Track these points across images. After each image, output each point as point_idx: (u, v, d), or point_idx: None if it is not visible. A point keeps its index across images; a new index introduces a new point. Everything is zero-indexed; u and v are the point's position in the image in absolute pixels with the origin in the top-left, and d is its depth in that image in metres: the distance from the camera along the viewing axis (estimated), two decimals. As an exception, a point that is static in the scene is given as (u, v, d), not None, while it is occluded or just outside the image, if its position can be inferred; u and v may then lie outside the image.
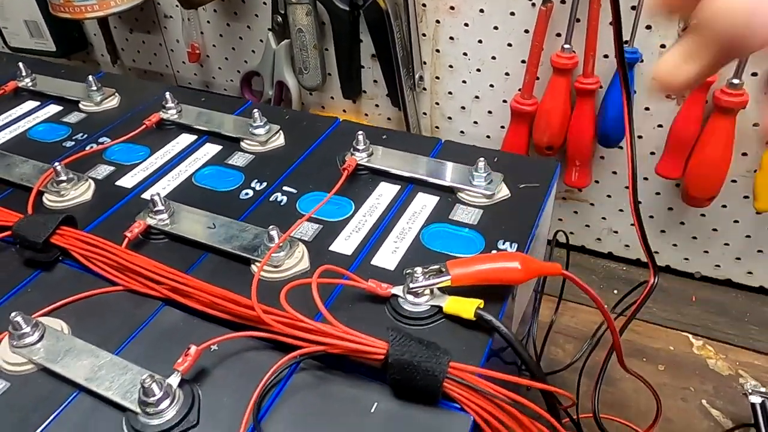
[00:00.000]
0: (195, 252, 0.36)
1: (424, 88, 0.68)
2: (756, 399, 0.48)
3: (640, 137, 0.61)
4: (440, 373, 0.26)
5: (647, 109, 0.59)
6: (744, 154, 0.57)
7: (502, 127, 0.66)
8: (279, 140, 0.46)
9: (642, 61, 0.56)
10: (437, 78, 0.67)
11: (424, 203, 0.39)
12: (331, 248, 0.36)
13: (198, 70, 0.84)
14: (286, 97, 0.76)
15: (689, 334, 0.61)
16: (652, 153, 0.61)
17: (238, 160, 0.45)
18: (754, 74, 0.53)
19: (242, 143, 0.46)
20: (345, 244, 0.36)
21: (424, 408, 0.27)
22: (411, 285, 0.31)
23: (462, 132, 0.70)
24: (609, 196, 0.66)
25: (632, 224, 0.66)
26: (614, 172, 0.65)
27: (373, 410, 0.27)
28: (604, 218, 0.68)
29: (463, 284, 0.31)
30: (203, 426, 0.27)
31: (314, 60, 0.70)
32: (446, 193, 0.40)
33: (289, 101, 0.75)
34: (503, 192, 0.40)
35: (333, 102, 0.75)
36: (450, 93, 0.68)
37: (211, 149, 0.46)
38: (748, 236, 0.62)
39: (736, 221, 0.61)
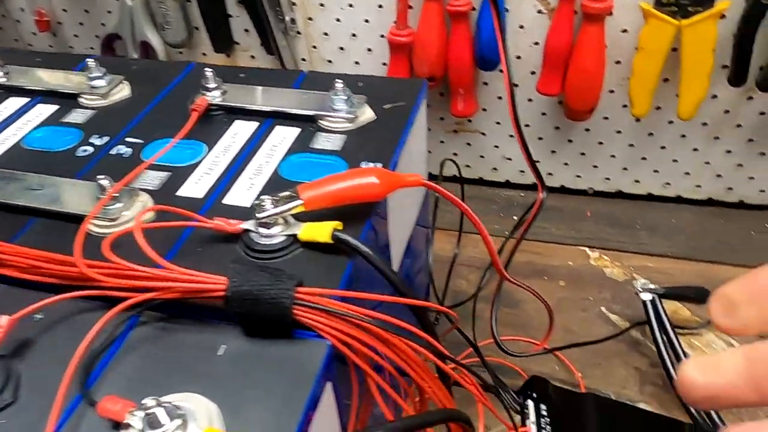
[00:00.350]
0: (21, 219, 0.31)
1: (298, 32, 0.65)
2: (647, 296, 0.49)
3: (518, 57, 0.60)
4: (286, 299, 0.23)
5: (522, 27, 0.58)
6: (617, 62, 0.57)
7: (384, 63, 0.64)
8: (124, 92, 0.42)
9: (510, -24, 0.55)
10: (310, 19, 0.64)
11: (283, 136, 0.36)
12: (180, 193, 0.33)
13: (53, 41, 0.76)
14: (153, 57, 0.70)
15: (586, 248, 0.62)
16: (533, 72, 0.60)
17: (77, 117, 0.40)
18: (616, -21, 0.53)
19: (80, 99, 0.41)
20: (195, 187, 0.33)
21: (278, 342, 0.25)
22: (260, 215, 0.28)
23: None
24: (498, 123, 0.65)
25: (524, 148, 0.66)
26: (499, 98, 0.64)
27: (221, 353, 0.24)
28: (496, 146, 0.68)
29: (318, 207, 0.29)
30: (24, 403, 0.23)
31: (175, 13, 0.64)
32: (307, 123, 0.37)
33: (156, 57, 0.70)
34: (367, 115, 0.37)
35: (206, 58, 0.70)
36: (326, 34, 0.64)
37: (44, 110, 0.41)
38: (632, 145, 0.63)
39: (618, 131, 0.62)
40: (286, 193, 0.28)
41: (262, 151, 0.35)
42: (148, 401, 0.20)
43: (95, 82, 0.41)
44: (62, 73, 0.43)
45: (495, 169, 0.70)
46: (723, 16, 0.51)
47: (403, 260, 0.41)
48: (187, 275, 0.24)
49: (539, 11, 0.57)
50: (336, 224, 0.28)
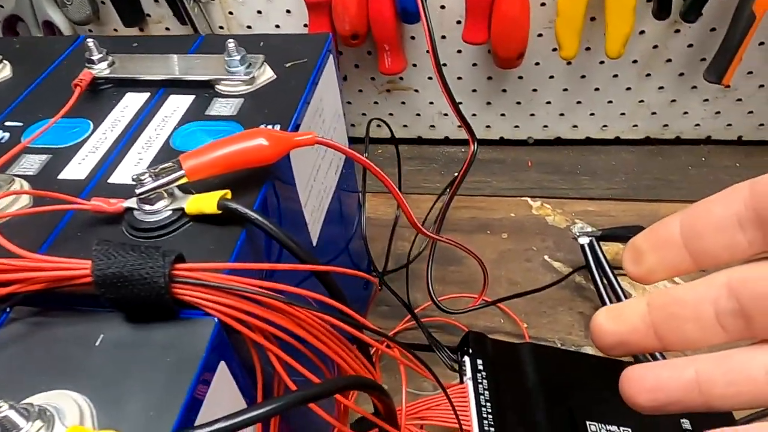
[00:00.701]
0: None
1: (212, -2, 0.61)
2: (584, 240, 0.48)
3: (443, 7, 0.58)
4: (161, 277, 0.21)
5: (441, -26, 0.56)
6: (543, 4, 0.56)
7: (305, 24, 0.61)
8: (3, 72, 0.38)
9: None
10: (222, -17, 0.60)
11: (176, 105, 0.34)
12: (61, 177, 0.30)
13: (-51, 28, 0.70)
14: (59, 34, 0.65)
15: (528, 198, 0.61)
16: (459, 22, 0.58)
17: (-50, 103, 0.36)
18: None
19: (-46, 84, 0.37)
20: (78, 168, 0.30)
21: (161, 325, 0.22)
22: (139, 191, 0.25)
23: (266, 40, 0.63)
24: (430, 78, 0.63)
25: (459, 103, 0.64)
26: (428, 51, 0.61)
27: (98, 343, 0.22)
28: (431, 102, 0.66)
29: (203, 177, 0.26)
30: None
31: (74, -13, 0.60)
32: (203, 89, 0.35)
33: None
34: (267, 75, 0.35)
35: (117, 34, 0.66)
36: (240, -2, 0.61)
37: None
38: (566, 90, 0.62)
39: (551, 77, 0.61)
40: (167, 165, 0.26)
41: (153, 123, 0.32)
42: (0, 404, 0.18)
43: (-31, 65, 0.37)
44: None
45: (433, 126, 0.68)
46: (643, -53, 0.50)
47: (329, 228, 0.39)
48: (47, 263, 0.22)
49: (458, -43, 0.54)
50: (223, 192, 0.25)
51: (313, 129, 0.35)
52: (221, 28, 0.63)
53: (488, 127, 0.66)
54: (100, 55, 0.36)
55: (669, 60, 0.58)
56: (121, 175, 0.29)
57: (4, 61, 0.39)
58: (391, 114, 0.67)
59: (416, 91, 0.65)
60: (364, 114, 0.68)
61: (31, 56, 0.40)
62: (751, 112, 0.60)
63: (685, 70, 0.58)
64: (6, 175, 0.29)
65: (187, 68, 0.35)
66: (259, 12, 0.61)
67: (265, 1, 0.60)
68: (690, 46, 0.57)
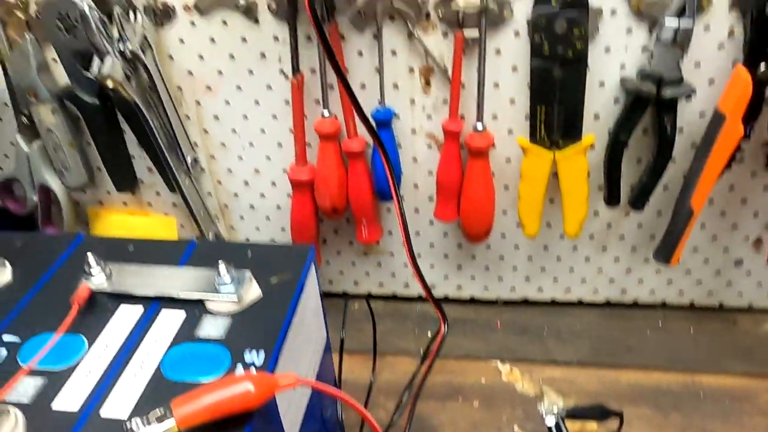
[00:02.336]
0: None
1: (202, 169, 0.66)
2: (551, 421, 0.50)
3: (416, 186, 0.63)
4: None
5: (415, 159, 0.61)
6: (506, 187, 0.61)
7: (289, 195, 0.65)
8: (4, 276, 0.41)
9: (397, 116, 0.58)
10: (213, 157, 0.65)
11: (168, 323, 0.36)
12: (55, 406, 0.32)
13: (-54, 183, 0.73)
14: (55, 200, 0.68)
15: (497, 361, 0.63)
16: (431, 198, 0.63)
17: (-49, 311, 0.38)
18: (495, 117, 0.57)
19: (-43, 289, 0.40)
20: (71, 397, 0.32)
21: None
22: (131, 441, 0.27)
23: (251, 206, 0.68)
24: (404, 243, 0.68)
25: (431, 266, 0.68)
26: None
27: None
28: (405, 265, 0.69)
29: (193, 425, 0.28)
30: None
31: (73, 158, 0.64)
32: (194, 305, 0.37)
33: (58, 204, 0.68)
34: (254, 293, 0.38)
35: (110, 197, 0.69)
36: (229, 170, 0.65)
37: None
38: (530, 258, 0.66)
39: (516, 246, 0.66)
40: (158, 412, 0.28)
41: (145, 344, 0.35)
42: None
43: (-27, 271, 0.40)
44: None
45: (407, 285, 0.71)
46: (593, 146, 0.56)
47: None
48: None
49: (429, 146, 0.60)
50: (211, 442, 0.28)
51: (296, 342, 0.37)
52: (210, 194, 0.68)
53: (459, 287, 0.70)
54: (98, 269, 0.39)
55: (622, 236, 0.63)
56: (113, 408, 0.31)
57: (6, 263, 0.41)
58: (366, 273, 0.71)
59: (391, 254, 0.69)
60: (341, 272, 0.71)
61: (30, 257, 0.42)
62: (699, 281, 0.65)
63: (637, 245, 0.64)
64: (2, 404, 0.31)
65: (178, 283, 0.38)
66: (246, 183, 0.66)
67: (252, 173, 0.65)
68: (640, 226, 0.62)
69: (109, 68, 0.52)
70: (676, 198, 0.56)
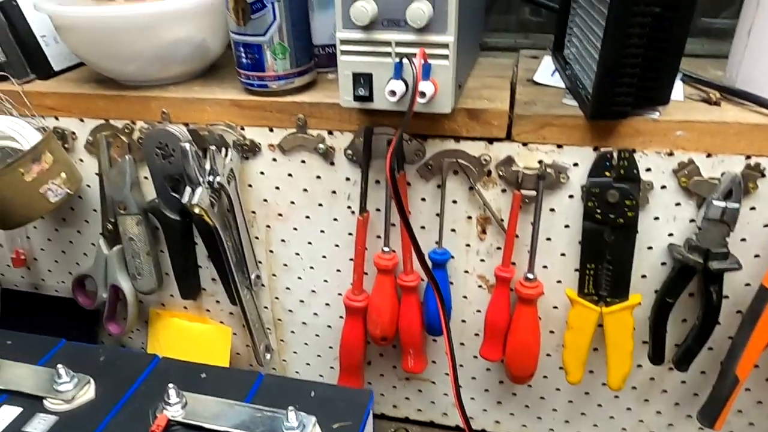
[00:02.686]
0: None
1: (263, 285, 0.70)
2: None
3: (463, 321, 0.66)
4: None
5: (465, 297, 0.64)
6: (551, 332, 0.63)
7: (341, 317, 0.69)
8: (89, 393, 0.44)
9: (453, 257, 0.62)
10: (274, 275, 0.69)
11: (236, 463, 0.39)
12: None
13: (25, 273, 0.79)
14: (122, 297, 0.73)
15: None
16: (477, 334, 0.66)
17: (38, 426, 0.42)
18: (546, 267, 0.60)
19: (46, 402, 0.43)
20: None
21: None
22: None
23: (304, 323, 0.71)
24: (447, 374, 0.69)
25: (471, 398, 0.69)
26: (446, 354, 0.68)
27: None
28: (446, 394, 0.71)
29: None
30: None
31: (148, 266, 0.69)
32: (260, 446, 0.40)
33: (125, 302, 0.73)
34: (316, 438, 0.40)
35: (173, 300, 0.74)
36: (288, 288, 0.70)
37: (8, 413, 0.43)
38: (571, 401, 0.67)
39: (557, 389, 0.67)
40: None
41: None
42: None
43: (63, 387, 0.43)
44: (27, 368, 0.46)
45: (445, 414, 0.72)
46: (639, 305, 0.58)
47: None
48: None
49: (479, 286, 0.63)
50: None
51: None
52: (266, 308, 0.71)
53: (497, 422, 0.71)
54: (177, 399, 0.42)
55: (665, 391, 0.64)
56: None
57: (90, 381, 0.45)
58: (407, 398, 0.72)
59: (433, 383, 0.71)
60: (382, 395, 0.73)
61: (112, 374, 0.46)
62: (743, 444, 0.65)
63: (680, 401, 0.64)
64: None
65: (246, 421, 0.41)
66: (302, 301, 0.70)
67: (308, 293, 0.69)
68: (683, 382, 0.63)
69: (199, 198, 0.58)
70: (720, 361, 0.58)
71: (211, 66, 0.68)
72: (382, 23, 0.49)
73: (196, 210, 0.59)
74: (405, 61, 0.49)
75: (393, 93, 0.49)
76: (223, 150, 0.61)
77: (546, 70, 0.63)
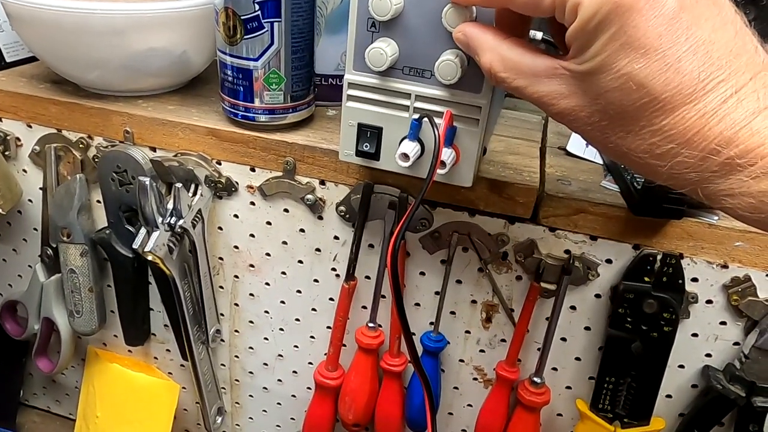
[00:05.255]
0: None
1: (222, 340, 0.60)
2: None
3: (450, 414, 0.57)
4: None
5: (456, 388, 0.55)
6: (550, 440, 0.55)
7: (309, 388, 0.59)
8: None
9: (449, 343, 0.53)
10: (237, 332, 0.59)
11: None
12: None
13: (-51, 286, 0.68)
14: (57, 330, 0.62)
15: None
16: (464, 430, 0.57)
17: None
18: (555, 369, 0.52)
19: None
20: None
21: None
22: None
23: (265, 388, 0.61)
24: (423, 467, 0.60)
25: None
26: (427, 446, 0.59)
27: None
28: (419, 489, 0.61)
29: None
30: None
31: (89, 303, 0.58)
32: None
33: (59, 336, 0.62)
34: None
35: (116, 341, 0.63)
36: (251, 348, 0.60)
37: None
38: None
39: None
40: None
41: None
42: None
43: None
44: None
45: None
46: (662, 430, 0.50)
47: None
48: None
49: (475, 378, 0.54)
50: None
51: None
52: (223, 365, 0.61)
53: None
54: None
55: None
56: None
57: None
58: (374, 486, 0.63)
59: (406, 474, 0.61)
60: (346, 479, 0.63)
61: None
62: None
63: None
64: None
65: None
66: (266, 364, 0.60)
67: (274, 357, 0.59)
68: None
69: (154, 244, 0.48)
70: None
71: (194, 79, 0.58)
72: (402, 70, 0.39)
73: (150, 257, 0.48)
74: (425, 120, 0.39)
75: (405, 157, 0.40)
76: (192, 186, 0.51)
77: (581, 139, 0.54)
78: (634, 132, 0.28)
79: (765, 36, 0.34)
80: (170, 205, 0.49)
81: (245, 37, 0.46)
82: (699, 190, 0.28)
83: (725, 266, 0.44)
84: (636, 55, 0.26)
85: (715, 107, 0.26)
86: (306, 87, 0.50)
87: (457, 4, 0.34)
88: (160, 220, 0.49)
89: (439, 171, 0.40)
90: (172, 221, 0.49)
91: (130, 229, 0.54)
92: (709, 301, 0.46)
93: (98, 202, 0.56)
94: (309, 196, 0.50)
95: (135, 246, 0.48)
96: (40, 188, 0.57)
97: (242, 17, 0.45)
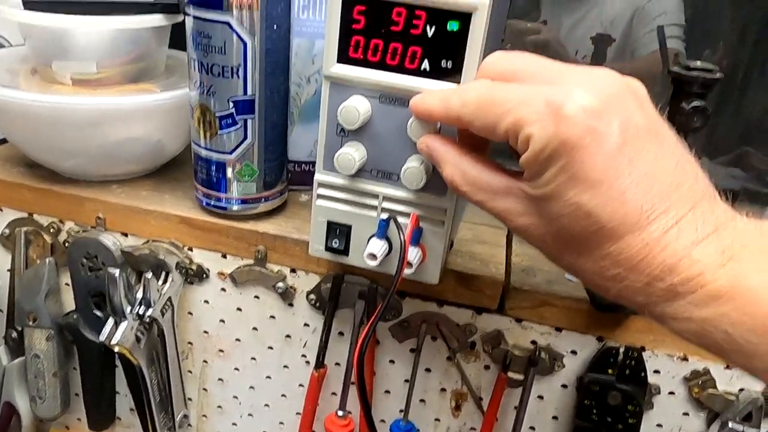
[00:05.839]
0: None
1: (189, 425, 0.59)
2: None
3: (421, 503, 0.56)
4: None
5: (427, 477, 0.55)
6: None
7: (278, 473, 0.58)
8: None
9: (419, 430, 0.53)
10: (204, 416, 0.58)
11: None
12: None
13: None
14: (16, 422, 0.61)
15: None
16: None
17: None
18: (524, 457, 0.51)
19: None
20: None
21: None
22: None
23: (232, 474, 0.60)
24: None
25: None
26: None
27: None
28: None
29: None
30: None
31: (52, 389, 0.57)
32: None
33: (19, 420, 0.60)
34: None
35: (80, 424, 0.62)
36: (219, 433, 0.59)
37: None
38: None
39: None
40: None
41: None
42: None
43: None
44: None
45: None
46: None
47: None
48: None
49: (446, 467, 0.54)
50: None
51: None
52: (190, 451, 0.60)
53: None
54: None
55: None
56: None
57: None
58: None
59: None
60: None
61: None
62: None
63: None
64: None
65: None
66: (234, 450, 0.59)
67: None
68: None
69: (122, 336, 0.47)
70: None
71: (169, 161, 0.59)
72: (371, 172, 0.41)
73: (117, 349, 0.48)
74: (392, 222, 0.40)
75: (373, 257, 0.40)
76: (163, 274, 0.51)
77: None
78: (585, 255, 0.29)
79: (711, 149, 0.36)
80: (139, 295, 0.49)
81: (219, 132, 0.47)
82: (647, 311, 0.29)
83: (685, 359, 0.46)
84: (584, 187, 0.28)
85: (658, 237, 0.27)
86: (279, 176, 0.51)
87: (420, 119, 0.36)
88: (128, 309, 0.49)
89: (406, 271, 0.41)
90: (140, 311, 0.49)
91: (98, 314, 0.54)
92: (671, 393, 0.47)
93: (67, 284, 0.56)
94: (280, 284, 0.51)
95: (102, 339, 0.48)
96: (8, 270, 0.57)
97: (217, 114, 0.46)
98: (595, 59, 0.95)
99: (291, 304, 0.52)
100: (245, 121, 0.46)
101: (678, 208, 0.28)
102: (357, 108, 0.38)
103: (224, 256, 0.51)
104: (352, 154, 0.39)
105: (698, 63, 0.44)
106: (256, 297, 0.52)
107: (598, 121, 0.27)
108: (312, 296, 0.51)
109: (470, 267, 0.48)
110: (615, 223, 0.28)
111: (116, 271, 0.47)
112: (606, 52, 0.96)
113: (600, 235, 0.28)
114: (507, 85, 0.30)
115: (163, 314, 0.51)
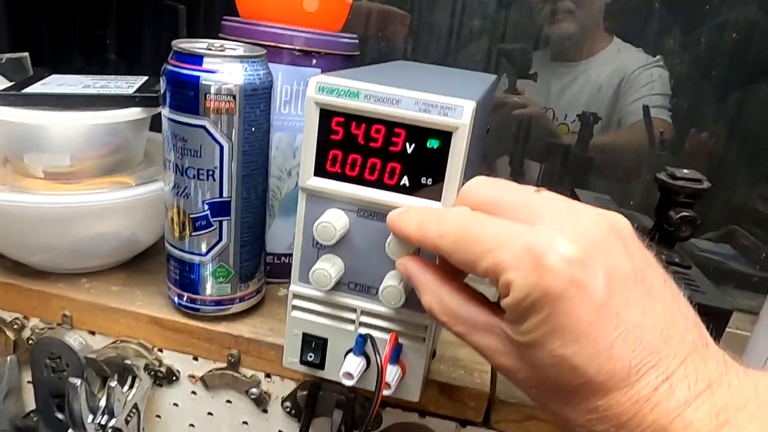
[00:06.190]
0: None
1: None
2: None
3: None
4: None
5: None
6: None
7: None
8: None
9: None
10: None
11: None
12: None
13: None
14: None
15: None
16: None
17: None
18: None
19: None
20: None
21: None
22: None
23: None
24: None
25: None
26: None
27: None
28: None
29: None
30: None
31: (7, 497, 0.53)
32: None
33: None
34: None
35: None
36: None
37: None
38: None
39: None
40: None
41: None
42: None
43: None
44: None
45: None
46: None
47: None
48: None
49: None
50: None
51: None
52: None
53: None
54: None
55: None
56: None
57: None
58: None
59: None
60: None
61: None
62: None
63: None
64: None
65: None
66: None
67: None
68: None
69: (80, 451, 0.44)
70: None
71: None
72: (348, 285, 0.39)
73: (74, 464, 0.45)
74: (369, 339, 0.38)
75: (349, 376, 0.38)
76: (129, 379, 0.48)
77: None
78: (572, 405, 0.27)
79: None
80: (102, 403, 0.46)
81: (193, 233, 0.45)
82: None
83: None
84: (569, 339, 0.26)
85: (647, 394, 0.25)
86: (254, 276, 0.49)
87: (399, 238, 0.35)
88: (90, 419, 0.46)
89: (385, 392, 0.38)
90: (103, 420, 0.46)
91: (60, 417, 0.51)
92: None
93: (29, 382, 0.53)
94: (254, 390, 0.48)
95: (59, 453, 0.45)
96: (-32, 365, 0.54)
97: (191, 215, 0.45)
98: (582, 136, 0.95)
99: (265, 411, 0.49)
100: (220, 222, 0.45)
101: (668, 361, 0.26)
102: (333, 225, 0.36)
103: (195, 359, 0.49)
104: (328, 270, 0.37)
105: (685, 171, 0.44)
106: (229, 401, 0.49)
107: (582, 273, 0.25)
108: (287, 404, 0.48)
109: (453, 377, 0.45)
110: (603, 378, 0.26)
111: (77, 381, 0.44)
112: (593, 130, 0.96)
113: (587, 388, 0.26)
114: (486, 221, 0.29)
115: (127, 422, 0.48)
